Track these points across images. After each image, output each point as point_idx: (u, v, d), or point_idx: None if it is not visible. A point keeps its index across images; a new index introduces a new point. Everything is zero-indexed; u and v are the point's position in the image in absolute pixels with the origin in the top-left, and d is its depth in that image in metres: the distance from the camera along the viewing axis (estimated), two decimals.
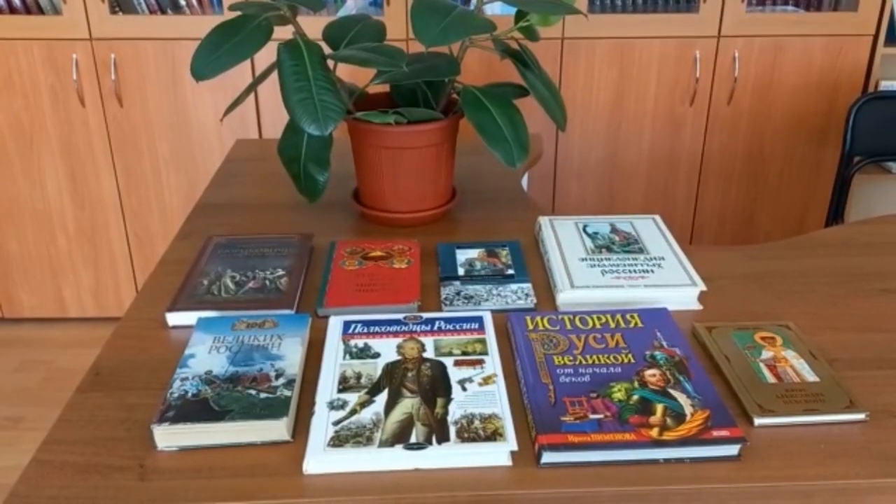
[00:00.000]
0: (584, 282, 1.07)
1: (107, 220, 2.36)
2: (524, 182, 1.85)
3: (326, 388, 0.86)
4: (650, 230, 1.23)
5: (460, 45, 1.25)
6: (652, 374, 0.89)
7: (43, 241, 2.37)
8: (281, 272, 1.10)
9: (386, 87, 1.35)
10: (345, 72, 1.97)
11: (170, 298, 1.05)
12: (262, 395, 0.83)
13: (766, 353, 0.95)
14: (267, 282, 1.08)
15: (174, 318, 1.01)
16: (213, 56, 1.12)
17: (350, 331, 0.97)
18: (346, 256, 1.17)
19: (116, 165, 2.29)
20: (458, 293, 1.08)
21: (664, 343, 0.95)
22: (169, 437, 0.80)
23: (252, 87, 1.26)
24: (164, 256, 1.21)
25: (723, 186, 2.41)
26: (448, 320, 0.99)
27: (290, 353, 0.90)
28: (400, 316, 1.00)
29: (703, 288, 1.06)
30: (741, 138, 2.35)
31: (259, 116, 2.26)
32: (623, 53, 2.26)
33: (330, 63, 1.18)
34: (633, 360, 0.92)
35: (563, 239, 1.19)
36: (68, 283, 2.44)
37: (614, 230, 1.22)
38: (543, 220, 1.25)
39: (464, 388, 0.86)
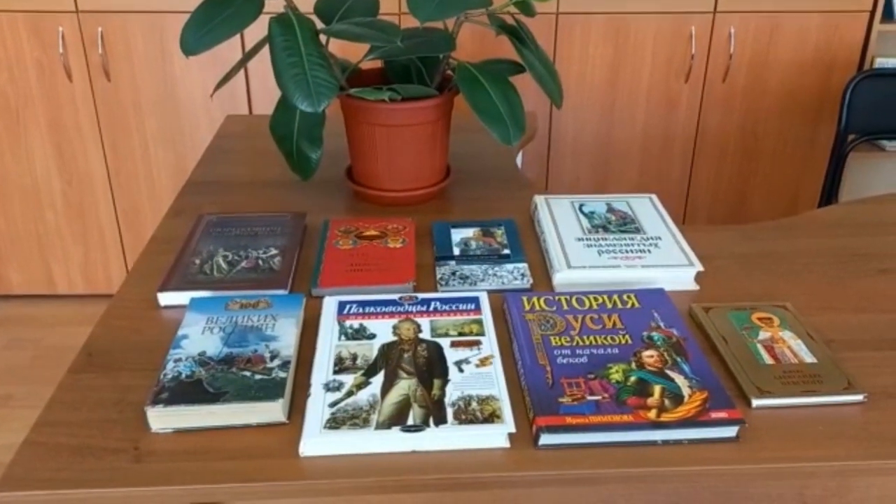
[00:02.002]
0: (580, 262, 1.06)
1: (95, 196, 2.33)
2: (518, 160, 1.83)
3: (322, 369, 0.86)
4: (647, 209, 1.22)
5: (455, 21, 1.23)
6: (649, 356, 0.89)
7: (31, 218, 2.34)
8: (274, 251, 1.09)
9: (379, 64, 1.33)
10: (337, 47, 1.94)
11: (161, 278, 1.03)
12: (257, 377, 0.82)
13: (764, 334, 0.94)
14: (260, 261, 1.06)
15: (166, 298, 1.00)
16: (203, 30, 1.09)
17: (345, 311, 0.96)
18: (339, 236, 1.15)
19: (104, 141, 2.26)
20: (453, 273, 1.07)
21: (661, 324, 0.94)
22: (163, 419, 0.79)
23: (243, 63, 1.23)
24: (154, 234, 1.19)
25: (716, 164, 2.40)
26: (444, 301, 0.98)
27: (285, 334, 0.89)
28: (395, 296, 0.99)
29: (700, 268, 1.05)
30: (735, 116, 2.33)
31: (249, 92, 2.23)
32: (618, 29, 2.23)
33: (322, 38, 1.16)
34: (630, 341, 0.91)
35: (559, 218, 1.18)
36: (57, 260, 2.41)
37: (611, 209, 1.21)
38: (539, 199, 1.24)
39: (461, 370, 0.86)
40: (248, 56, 1.23)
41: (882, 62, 2.31)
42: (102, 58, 2.15)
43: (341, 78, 1.24)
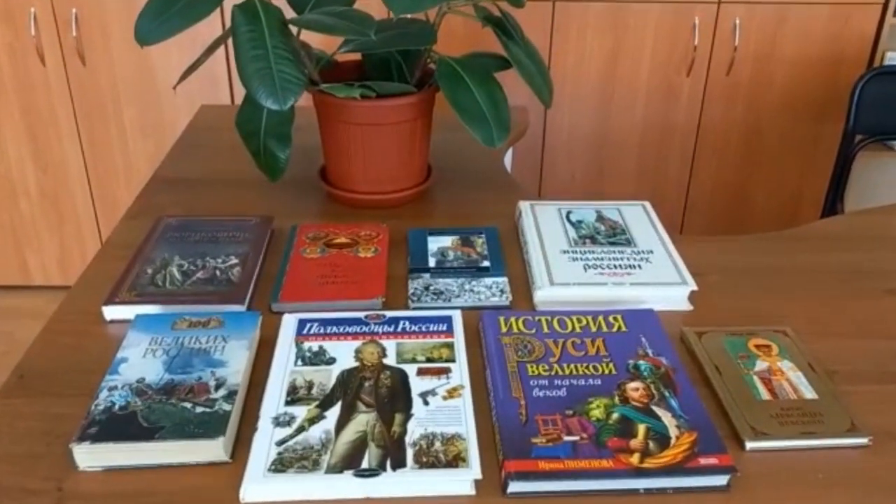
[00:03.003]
0: (564, 278, 0.98)
1: (71, 186, 2.25)
2: (508, 156, 1.74)
3: (273, 398, 0.78)
4: (639, 218, 1.13)
5: (437, 11, 1.14)
6: (635, 388, 0.81)
7: (4, 206, 2.26)
8: (234, 260, 1.01)
9: (357, 55, 1.24)
10: (315, 37, 1.85)
11: (109, 289, 0.95)
12: (199, 410, 0.74)
13: (761, 364, 0.86)
14: (217, 271, 0.98)
15: (112, 312, 0.92)
16: (159, 19, 1.00)
17: (305, 331, 0.88)
18: (307, 243, 1.07)
19: (80, 128, 2.17)
20: (426, 287, 0.99)
21: (649, 351, 0.86)
22: (91, 456, 0.71)
23: (208, 54, 1.15)
24: (108, 238, 1.11)
25: (717, 161, 2.31)
26: (414, 320, 0.91)
27: (234, 359, 0.81)
28: (361, 314, 0.91)
29: (694, 288, 0.97)
30: (739, 111, 2.24)
31: (231, 78, 2.14)
32: (617, 18, 2.14)
33: (294, 28, 1.07)
34: (614, 371, 0.83)
35: (543, 228, 1.10)
36: (32, 250, 2.33)
37: (600, 218, 1.13)
38: (524, 206, 1.16)
39: (426, 402, 0.78)
40: (212, 47, 1.14)
41: (894, 58, 2.22)
42: (77, 41, 2.06)
43: (314, 70, 1.15)
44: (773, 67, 2.19)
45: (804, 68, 2.19)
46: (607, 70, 2.20)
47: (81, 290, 0.98)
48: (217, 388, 0.77)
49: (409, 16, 1.08)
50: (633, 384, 0.81)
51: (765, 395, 0.81)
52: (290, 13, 1.08)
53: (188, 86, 2.11)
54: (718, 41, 2.16)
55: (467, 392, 0.80)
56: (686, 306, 0.98)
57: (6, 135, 2.17)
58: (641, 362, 0.84)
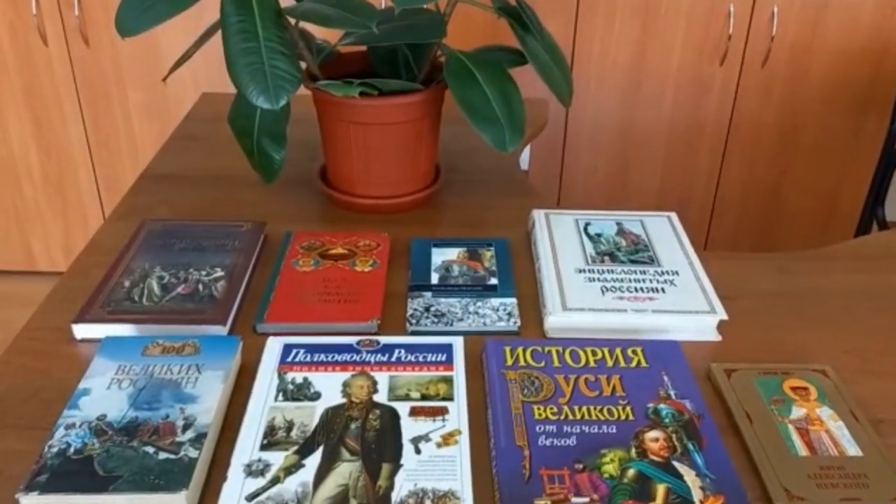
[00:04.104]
0: (578, 302, 0.89)
1: (75, 170, 2.18)
2: (526, 152, 1.65)
3: (248, 441, 0.70)
4: (664, 232, 1.04)
5: (448, 1, 1.04)
6: (654, 439, 0.72)
7: (7, 190, 2.20)
8: (219, 273, 0.93)
9: (363, 47, 1.14)
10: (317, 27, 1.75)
11: (82, 303, 0.87)
12: (162, 455, 0.66)
13: (798, 411, 0.77)
14: (201, 286, 0.90)
15: (82, 331, 0.84)
16: (143, 6, 0.92)
17: (290, 358, 0.80)
18: (301, 253, 0.99)
19: (84, 111, 2.10)
20: (427, 309, 0.90)
21: (672, 392, 0.77)
22: None
23: (200, 43, 1.06)
24: (90, 243, 1.03)
25: (749, 157, 2.19)
26: (410, 348, 0.82)
27: (207, 394, 0.73)
28: (353, 340, 0.83)
29: (724, 317, 0.87)
30: (774, 105, 2.12)
31: None
32: (647, 3, 2.02)
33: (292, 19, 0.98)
34: (631, 417, 0.74)
35: (558, 241, 1.00)
36: (37, 236, 2.28)
37: (621, 231, 1.03)
38: (538, 215, 1.06)
39: (417, 450, 0.69)
40: (204, 37, 1.05)
41: None
42: (80, 20, 1.98)
43: (313, 64, 1.06)
44: (812, 59, 2.06)
45: (846, 60, 2.06)
46: (635, 58, 2.08)
47: (53, 304, 0.91)
48: (185, 428, 0.69)
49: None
50: (652, 433, 0.72)
51: (802, 449, 0.72)
52: (286, 1, 0.99)
53: (195, 67, 2.03)
54: (754, 30, 2.03)
55: (465, 438, 0.71)
56: (714, 337, 0.88)
57: (9, 117, 2.10)
58: (663, 406, 0.75)
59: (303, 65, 1.06)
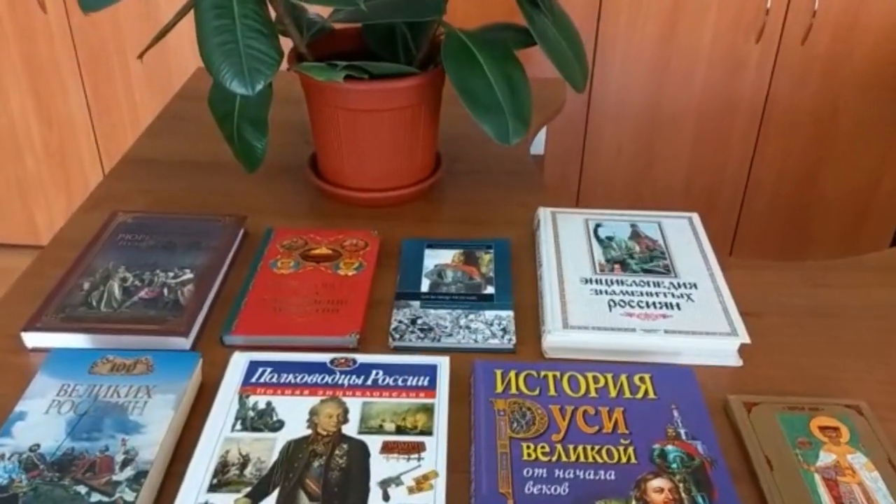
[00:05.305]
0: (581, 320, 0.79)
1: (77, 142, 2.11)
2: (542, 134, 1.54)
3: (195, 480, 0.62)
4: (683, 236, 0.93)
5: None
6: (658, 489, 0.63)
7: (10, 162, 2.14)
8: (188, 275, 0.84)
9: (358, 24, 1.04)
10: None
11: (35, 308, 0.80)
12: (94, 498, 0.59)
13: (826, 457, 0.67)
14: (166, 289, 0.82)
15: (33, 339, 0.77)
16: None
17: (255, 378, 0.72)
18: (281, 253, 0.90)
19: (85, 82, 2.02)
20: (413, 321, 0.81)
21: (682, 431, 0.68)
22: None
23: (177, 19, 0.97)
24: (55, 237, 0.96)
25: (784, 141, 2.05)
26: (389, 369, 0.73)
27: (154, 424, 0.65)
28: (327, 358, 0.74)
29: (746, 340, 0.77)
30: (813, 86, 1.97)
31: None
32: None
33: None
34: (634, 460, 0.65)
35: (564, 245, 0.91)
36: (40, 209, 2.22)
37: (635, 235, 0.93)
38: (543, 214, 0.97)
39: (386, 496, 0.61)
40: (181, 13, 0.96)
41: None
42: None
43: (301, 42, 0.97)
44: (856, 38, 1.91)
45: (892, 40, 1.91)
46: (665, 32, 1.95)
47: (7, 306, 0.83)
48: (124, 465, 0.61)
49: None
50: (656, 482, 0.63)
51: None
52: None
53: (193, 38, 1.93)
54: (794, 4, 1.89)
55: (441, 482, 0.63)
56: (734, 362, 0.78)
57: (8, 87, 2.03)
58: (670, 448, 0.66)
59: (290, 43, 0.97)
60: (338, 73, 0.85)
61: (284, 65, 0.90)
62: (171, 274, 0.84)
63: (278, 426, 0.67)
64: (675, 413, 0.70)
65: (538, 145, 1.71)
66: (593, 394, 0.72)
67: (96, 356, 0.71)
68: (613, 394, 0.72)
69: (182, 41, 1.95)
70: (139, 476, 0.60)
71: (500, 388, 0.72)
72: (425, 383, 0.72)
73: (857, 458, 0.67)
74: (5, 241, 2.27)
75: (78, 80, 2.02)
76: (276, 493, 0.61)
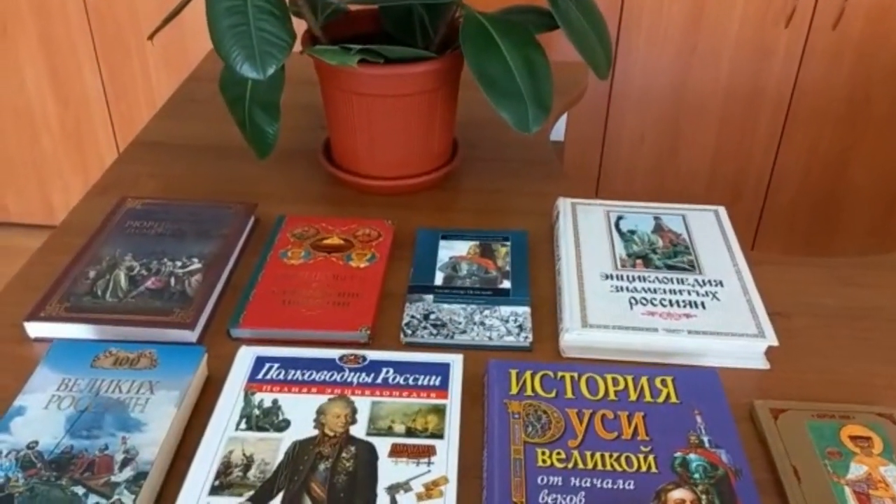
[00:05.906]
0: (601, 318, 0.76)
1: (93, 122, 2.10)
2: (562, 120, 1.50)
3: (197, 482, 0.60)
4: (709, 230, 0.90)
5: None
6: (679, 501, 0.60)
7: (26, 142, 2.13)
8: (196, 264, 0.82)
9: (374, 5, 1.01)
10: None
11: (38, 296, 0.78)
12: (92, 500, 0.57)
13: (857, 468, 0.64)
14: (173, 279, 0.80)
15: (36, 329, 0.75)
16: None
17: (261, 374, 0.70)
18: (291, 242, 0.88)
19: (100, 61, 2.00)
20: (426, 316, 0.78)
21: (705, 438, 0.65)
22: None
23: (188, 1, 0.94)
24: (65, 220, 0.94)
25: (813, 129, 2.00)
26: (401, 367, 0.71)
27: (156, 421, 0.63)
28: (336, 354, 0.72)
29: (774, 342, 0.74)
30: (844, 72, 1.91)
31: None
32: None
33: None
34: (654, 469, 0.62)
35: (584, 239, 0.87)
36: (56, 189, 2.21)
37: (659, 228, 0.90)
38: (563, 205, 0.93)
39: (394, 502, 0.59)
40: None
41: None
42: None
43: (315, 25, 0.94)
44: (890, 21, 1.84)
45: None
46: (692, 14, 1.89)
47: (11, 294, 0.81)
48: (124, 464, 0.59)
49: None
50: (677, 493, 0.60)
51: None
52: None
53: None
54: None
55: (451, 489, 0.60)
56: (761, 364, 0.75)
57: (24, 65, 2.02)
58: (693, 457, 0.63)
59: (304, 24, 0.94)
60: (351, 57, 0.82)
61: (298, 47, 0.87)
62: (178, 263, 0.82)
63: (284, 426, 0.65)
64: (699, 419, 0.66)
65: (558, 132, 1.67)
66: (612, 397, 0.69)
67: (99, 349, 0.69)
68: (633, 397, 0.68)
69: (199, 22, 1.92)
70: (138, 477, 0.58)
71: (514, 390, 0.69)
72: (437, 383, 0.69)
73: (891, 471, 0.63)
74: (22, 220, 2.27)
75: (94, 59, 2.00)
76: (279, 498, 0.58)
